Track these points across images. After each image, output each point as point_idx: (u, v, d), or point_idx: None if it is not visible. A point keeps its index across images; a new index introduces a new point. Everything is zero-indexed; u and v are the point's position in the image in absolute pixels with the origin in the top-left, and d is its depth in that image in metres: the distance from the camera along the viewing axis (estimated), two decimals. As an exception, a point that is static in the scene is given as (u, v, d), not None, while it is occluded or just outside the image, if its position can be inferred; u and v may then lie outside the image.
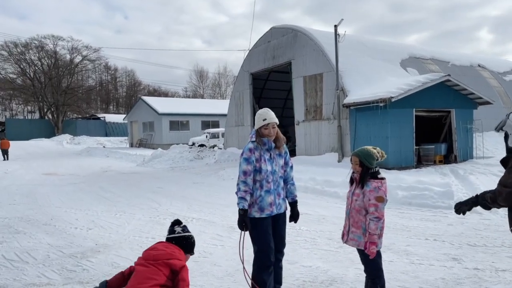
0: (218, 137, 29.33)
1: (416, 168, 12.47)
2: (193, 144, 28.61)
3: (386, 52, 17.62)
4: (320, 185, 9.76)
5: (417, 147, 13.34)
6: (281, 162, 3.76)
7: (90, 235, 6.29)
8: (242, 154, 3.69)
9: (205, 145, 27.98)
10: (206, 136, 29.82)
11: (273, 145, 3.71)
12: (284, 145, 3.85)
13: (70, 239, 6.05)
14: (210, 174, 14.53)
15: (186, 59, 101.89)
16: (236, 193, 3.62)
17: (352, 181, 3.61)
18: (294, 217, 3.79)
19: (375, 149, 3.52)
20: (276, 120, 3.71)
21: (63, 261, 5.06)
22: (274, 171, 3.68)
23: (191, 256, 3.16)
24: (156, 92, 75.21)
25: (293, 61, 17.03)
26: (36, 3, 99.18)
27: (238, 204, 3.58)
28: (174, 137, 33.88)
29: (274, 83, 22.68)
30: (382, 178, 3.45)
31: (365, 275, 3.60)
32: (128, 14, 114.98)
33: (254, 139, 3.69)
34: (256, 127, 3.71)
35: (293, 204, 3.82)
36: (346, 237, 3.56)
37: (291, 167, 3.87)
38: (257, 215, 3.63)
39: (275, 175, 3.68)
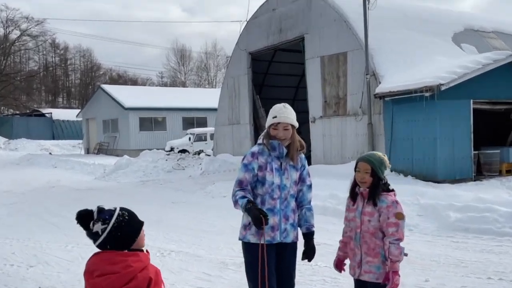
0: (205, 140, 29.38)
1: (474, 180, 12.52)
2: (172, 149, 28.69)
3: (434, 23, 17.69)
4: (343, 204, 9.71)
5: (476, 151, 13.38)
6: (295, 176, 3.80)
7: (32, 274, 6.29)
8: (243, 160, 3.78)
9: (187, 151, 28.02)
10: (189, 139, 29.86)
11: (285, 151, 3.74)
12: (302, 156, 3.88)
13: (4, 280, 6.05)
14: (194, 190, 14.50)
15: (161, 34, 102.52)
16: (234, 199, 3.70)
17: (354, 196, 3.72)
18: (308, 253, 3.82)
19: (384, 156, 3.70)
20: (292, 121, 3.74)
21: (-6, 310, 5.08)
22: (283, 185, 3.73)
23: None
24: (121, 79, 75.62)
25: (306, 35, 17.08)
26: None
27: (238, 203, 3.64)
28: (145, 140, 34.04)
29: (281, 66, 22.77)
30: (393, 190, 3.64)
31: None
32: None
33: (261, 141, 3.79)
34: (266, 125, 3.81)
35: (308, 236, 3.84)
36: (358, 270, 3.63)
37: (309, 186, 3.91)
38: (253, 239, 3.67)
39: (284, 191, 3.73)
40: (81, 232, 8.34)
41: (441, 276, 5.76)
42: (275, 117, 3.73)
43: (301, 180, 3.86)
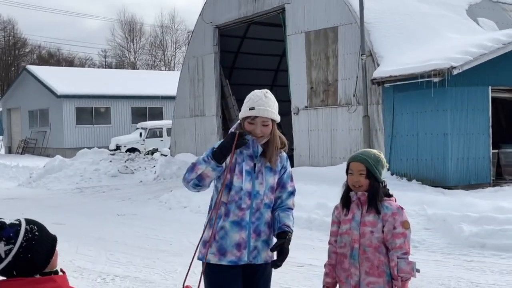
0: (160, 136, 29.22)
1: (493, 186, 12.70)
2: (118, 148, 28.49)
3: (444, -8, 17.89)
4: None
5: (496, 150, 13.60)
6: (272, 181, 3.74)
7: None
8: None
9: (138, 150, 27.83)
10: (140, 135, 29.67)
11: (261, 150, 3.71)
12: (283, 155, 3.83)
13: None
14: (146, 199, 14.45)
15: (103, 2, 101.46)
16: (190, 169, 3.64)
17: (347, 204, 3.75)
18: (279, 257, 3.67)
19: (380, 153, 3.75)
20: (273, 115, 3.69)
21: None
22: (255, 193, 3.67)
23: None
24: (53, 59, 74.68)
25: (287, 6, 17.12)
26: None
27: (200, 160, 3.61)
28: (84, 135, 33.82)
29: (256, 44, 22.80)
30: (392, 195, 3.72)
31: None
32: None
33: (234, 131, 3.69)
34: (240, 116, 3.73)
35: (281, 236, 3.69)
36: None
37: (291, 193, 3.84)
38: (213, 259, 3.65)
39: (256, 200, 3.68)
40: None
41: (452, 304, 5.86)
42: (253, 108, 3.64)
43: (281, 185, 3.80)
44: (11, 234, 2.44)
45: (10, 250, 2.40)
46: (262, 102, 3.65)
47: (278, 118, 3.71)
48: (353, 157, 3.76)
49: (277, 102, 3.80)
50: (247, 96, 3.75)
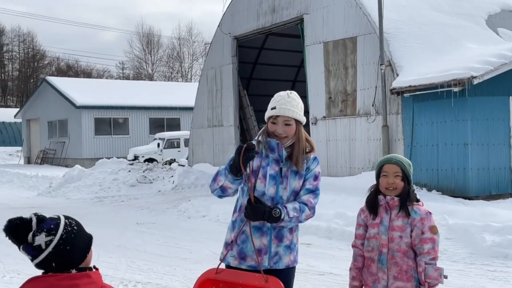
0: (178, 147, 29.34)
1: (515, 197, 12.60)
2: (136, 158, 28.63)
3: (464, 2, 17.87)
4: (352, 225, 9.81)
5: (517, 161, 13.50)
6: (297, 185, 3.67)
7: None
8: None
9: (156, 160, 27.95)
10: (158, 145, 29.81)
11: (285, 153, 3.68)
12: (314, 160, 3.74)
13: None
14: (165, 208, 14.51)
15: (120, 15, 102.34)
16: (213, 179, 3.63)
17: (374, 209, 3.73)
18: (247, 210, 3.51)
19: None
20: (295, 114, 3.64)
21: None
22: (279, 197, 3.62)
23: None
24: (71, 70, 75.36)
25: (306, 16, 17.19)
26: None
27: (220, 172, 3.57)
28: (102, 146, 34.01)
29: (274, 55, 22.89)
30: (419, 200, 3.74)
31: None
32: None
33: (259, 136, 3.70)
34: (265, 117, 3.71)
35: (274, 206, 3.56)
36: None
37: (310, 191, 3.70)
38: (233, 262, 3.63)
39: (279, 205, 3.67)
40: (22, 259, 8.33)
41: (476, 313, 5.82)
42: (274, 108, 3.62)
43: (302, 184, 3.70)
44: (52, 226, 2.48)
45: (51, 241, 2.44)
46: (284, 102, 3.63)
47: (302, 119, 3.68)
48: (387, 160, 3.76)
49: (302, 103, 3.78)
50: (272, 98, 3.75)
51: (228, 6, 20.87)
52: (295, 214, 3.51)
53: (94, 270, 2.61)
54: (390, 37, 14.70)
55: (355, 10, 15.67)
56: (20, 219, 2.50)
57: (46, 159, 36.48)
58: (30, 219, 2.50)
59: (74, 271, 2.51)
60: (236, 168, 3.45)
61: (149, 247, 9.76)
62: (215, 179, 3.61)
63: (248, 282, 3.47)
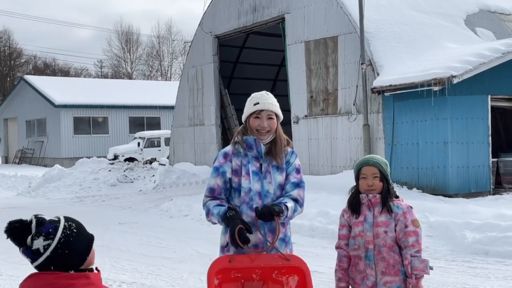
0: (159, 146, 29.24)
1: (493, 194, 12.74)
2: (116, 157, 28.46)
3: (442, 2, 18.02)
4: (336, 224, 9.88)
5: (495, 159, 13.67)
6: (280, 179, 3.78)
7: None
8: (214, 162, 3.79)
9: (136, 159, 27.83)
10: (138, 144, 29.66)
11: (264, 149, 3.77)
12: (291, 153, 3.86)
13: None
14: (147, 208, 14.44)
15: (97, 13, 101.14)
16: (206, 209, 3.69)
17: (356, 208, 3.83)
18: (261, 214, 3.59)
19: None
20: (276, 109, 3.78)
21: None
22: (266, 192, 3.70)
23: None
24: (49, 69, 74.47)
25: (287, 15, 17.21)
26: None
27: (212, 212, 3.62)
28: (82, 145, 33.79)
29: (255, 53, 22.90)
30: (398, 196, 3.86)
31: None
32: None
33: (235, 138, 3.78)
34: (244, 115, 3.80)
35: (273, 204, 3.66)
36: None
37: (295, 184, 3.80)
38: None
39: (266, 199, 3.70)
40: (6, 260, 8.29)
41: (458, 309, 5.91)
42: (257, 103, 3.73)
43: (286, 178, 3.80)
44: (50, 230, 2.51)
45: (48, 245, 2.47)
46: (265, 98, 3.77)
47: (281, 115, 3.80)
48: (365, 162, 3.85)
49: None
50: (248, 99, 3.86)
51: (209, 5, 20.81)
52: (288, 213, 3.61)
53: (95, 271, 2.62)
54: (371, 37, 14.78)
55: (336, 10, 15.73)
56: (20, 221, 2.53)
57: (25, 158, 36.14)
58: (30, 222, 2.53)
59: (72, 271, 2.53)
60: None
61: (132, 246, 9.72)
62: (207, 214, 3.69)
63: (269, 263, 3.54)
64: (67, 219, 2.60)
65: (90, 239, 2.64)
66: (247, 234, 3.49)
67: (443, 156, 12.79)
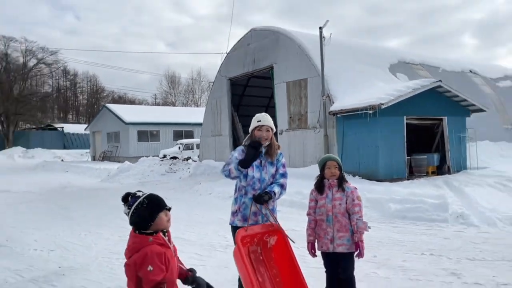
0: (192, 149, 29.25)
1: (408, 179, 12.74)
2: (165, 156, 28.40)
3: (374, 56, 18.07)
4: (307, 198, 9.83)
5: (409, 157, 13.66)
6: (272, 170, 3.83)
7: (52, 257, 6.16)
8: (234, 152, 3.79)
9: (178, 158, 27.82)
10: (179, 148, 29.69)
11: (263, 151, 3.78)
12: (280, 154, 3.90)
13: (30, 262, 5.91)
14: (184, 189, 14.43)
15: (150, 63, 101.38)
16: (226, 165, 3.68)
17: (321, 188, 3.82)
18: (259, 197, 3.64)
19: None
20: (272, 124, 3.85)
21: (23, 286, 4.95)
22: (263, 179, 3.75)
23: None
24: (121, 100, 74.45)
25: (275, 65, 17.25)
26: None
27: (232, 164, 3.63)
28: (143, 149, 33.61)
29: (254, 89, 22.88)
30: (347, 181, 3.89)
31: None
32: (80, 14, 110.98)
33: (246, 142, 3.84)
34: (251, 129, 3.85)
35: (265, 192, 3.68)
36: (331, 245, 3.74)
37: (282, 174, 3.87)
38: (239, 224, 3.69)
39: (263, 183, 3.75)
40: (92, 222, 8.19)
41: (386, 253, 5.89)
42: (259, 121, 3.81)
43: (276, 170, 3.86)
44: (131, 203, 2.71)
45: (128, 212, 2.72)
46: (264, 117, 3.87)
47: (274, 128, 3.90)
48: (328, 158, 3.87)
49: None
50: (253, 118, 3.90)
51: (224, 59, 20.82)
52: (276, 196, 3.72)
53: (159, 235, 2.72)
54: (329, 78, 14.80)
55: (306, 62, 15.75)
56: (128, 194, 2.79)
57: (106, 157, 36.00)
58: (130, 195, 2.77)
59: (138, 232, 2.71)
60: (250, 160, 3.62)
61: (175, 214, 9.65)
62: (227, 166, 3.69)
63: (267, 229, 3.67)
64: (146, 196, 2.76)
65: (155, 212, 2.71)
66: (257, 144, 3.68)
67: (375, 155, 12.79)
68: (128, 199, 2.75)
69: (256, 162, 3.74)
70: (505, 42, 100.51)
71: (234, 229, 3.74)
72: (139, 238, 2.66)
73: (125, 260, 2.70)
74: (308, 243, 3.93)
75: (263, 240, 3.71)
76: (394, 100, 12.48)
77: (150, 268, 2.54)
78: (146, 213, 2.67)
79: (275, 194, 3.68)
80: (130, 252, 2.67)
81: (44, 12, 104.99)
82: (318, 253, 3.94)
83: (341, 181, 3.80)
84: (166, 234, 2.78)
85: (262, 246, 3.73)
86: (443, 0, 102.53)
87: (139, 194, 2.74)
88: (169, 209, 2.76)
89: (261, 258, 3.72)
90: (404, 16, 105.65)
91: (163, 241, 2.70)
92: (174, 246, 2.83)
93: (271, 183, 3.79)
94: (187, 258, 5.93)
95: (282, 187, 3.81)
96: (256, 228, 3.63)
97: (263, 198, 3.61)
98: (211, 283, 4.75)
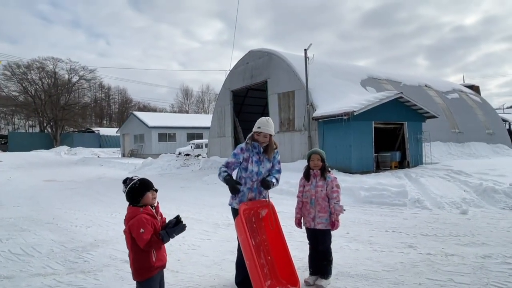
0: (202, 147, 29.18)
1: (375, 172, 12.72)
2: (180, 153, 28.32)
3: (348, 73, 18.05)
4: (294, 187, 9.82)
5: (376, 154, 13.64)
6: (269, 165, 3.79)
7: (89, 232, 6.14)
8: (234, 150, 3.75)
9: (190, 155, 27.76)
10: (191, 147, 29.61)
11: (262, 150, 3.75)
12: (277, 153, 3.82)
13: (71, 236, 5.89)
14: (195, 179, 14.43)
15: (167, 79, 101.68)
16: (219, 172, 3.63)
17: (308, 177, 3.79)
18: (264, 184, 3.60)
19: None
20: (271, 132, 3.70)
21: (65, 254, 4.94)
22: (260, 172, 3.71)
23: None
24: (145, 108, 74.30)
25: (268, 80, 17.19)
26: (26, 30, 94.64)
27: (221, 175, 3.55)
28: (162, 147, 33.44)
29: (252, 99, 22.82)
30: (330, 171, 3.82)
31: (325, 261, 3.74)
32: (110, 40, 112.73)
33: (247, 141, 3.75)
34: (253, 131, 3.76)
35: (265, 180, 3.64)
36: (313, 222, 3.75)
37: (277, 170, 3.83)
38: (236, 206, 3.67)
39: (259, 176, 3.71)
40: (120, 205, 8.10)
41: (356, 231, 5.88)
42: (260, 127, 3.67)
43: (273, 166, 3.81)
44: (128, 183, 2.87)
45: (125, 190, 2.85)
46: (265, 125, 3.69)
47: (273, 133, 3.75)
48: (313, 152, 3.84)
49: (273, 124, 3.84)
50: (257, 120, 3.75)
51: (227, 75, 20.76)
52: (274, 186, 3.70)
53: (147, 207, 2.84)
54: (312, 91, 14.77)
55: (294, 77, 15.69)
56: (127, 178, 2.90)
57: (133, 154, 35.88)
58: (128, 178, 2.89)
59: (131, 205, 2.86)
60: (230, 190, 3.54)
61: (187, 198, 9.68)
62: (219, 175, 3.66)
63: (261, 204, 3.67)
64: (139, 179, 2.89)
65: (144, 190, 2.85)
66: (238, 186, 3.52)
67: (349, 152, 12.76)
68: (127, 181, 2.89)
69: (255, 158, 3.69)
70: (450, 63, 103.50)
71: (233, 210, 3.72)
72: (133, 209, 2.78)
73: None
74: (295, 219, 3.93)
75: (256, 212, 3.71)
76: (364, 108, 12.47)
77: (142, 230, 2.71)
78: (137, 191, 2.81)
79: (273, 183, 3.69)
80: (127, 219, 2.82)
81: (81, 39, 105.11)
82: (303, 227, 3.93)
83: (323, 171, 3.77)
84: (154, 208, 2.88)
85: (256, 217, 3.73)
86: (401, 29, 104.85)
87: (134, 178, 2.83)
88: (156, 190, 2.88)
89: (254, 226, 3.72)
90: (370, 41, 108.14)
91: (152, 213, 2.86)
92: (162, 218, 2.93)
93: (268, 176, 3.75)
94: (197, 233, 5.93)
95: (277, 180, 3.80)
96: (254, 204, 3.64)
97: (271, 183, 3.61)
98: (216, 254, 4.76)
